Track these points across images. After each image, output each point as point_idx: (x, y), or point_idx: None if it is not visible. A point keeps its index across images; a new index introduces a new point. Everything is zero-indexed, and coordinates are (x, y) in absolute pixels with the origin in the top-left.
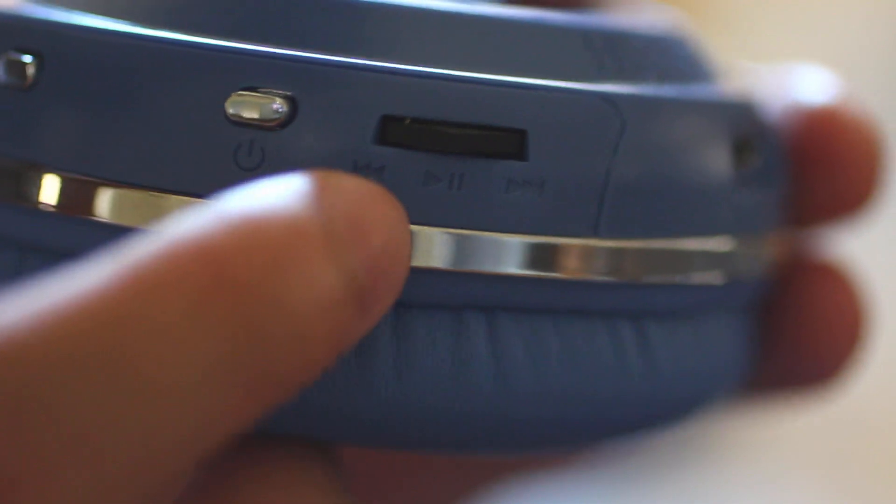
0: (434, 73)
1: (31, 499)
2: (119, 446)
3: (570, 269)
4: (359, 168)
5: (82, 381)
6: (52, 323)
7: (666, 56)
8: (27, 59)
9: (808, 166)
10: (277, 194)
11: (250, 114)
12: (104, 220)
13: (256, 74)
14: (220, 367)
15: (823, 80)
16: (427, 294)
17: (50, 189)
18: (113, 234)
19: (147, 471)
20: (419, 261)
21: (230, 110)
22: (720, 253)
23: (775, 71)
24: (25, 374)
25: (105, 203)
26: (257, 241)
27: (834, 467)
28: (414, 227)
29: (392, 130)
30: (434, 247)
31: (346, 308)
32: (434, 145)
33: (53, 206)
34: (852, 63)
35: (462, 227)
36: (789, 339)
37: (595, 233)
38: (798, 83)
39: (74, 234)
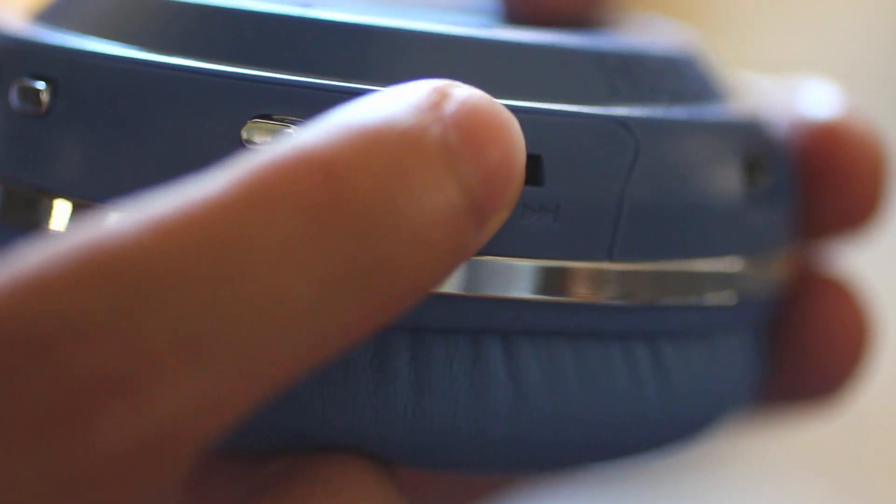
0: None
1: (140, 398)
2: (233, 355)
3: (585, 292)
4: None
5: (199, 288)
6: (171, 230)
7: (678, 76)
8: (41, 85)
9: (814, 181)
10: (395, 105)
11: (265, 141)
12: None
13: (271, 102)
14: (339, 281)
15: (828, 94)
16: (444, 318)
17: (62, 216)
18: None
19: (258, 383)
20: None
21: (245, 138)
22: (732, 273)
23: (781, 85)
24: (141, 276)
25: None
26: (374, 153)
27: (834, 468)
28: None
29: None
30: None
31: (464, 220)
32: None
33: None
34: (852, 63)
35: (478, 253)
36: (794, 353)
37: (609, 256)
38: (803, 97)
39: None
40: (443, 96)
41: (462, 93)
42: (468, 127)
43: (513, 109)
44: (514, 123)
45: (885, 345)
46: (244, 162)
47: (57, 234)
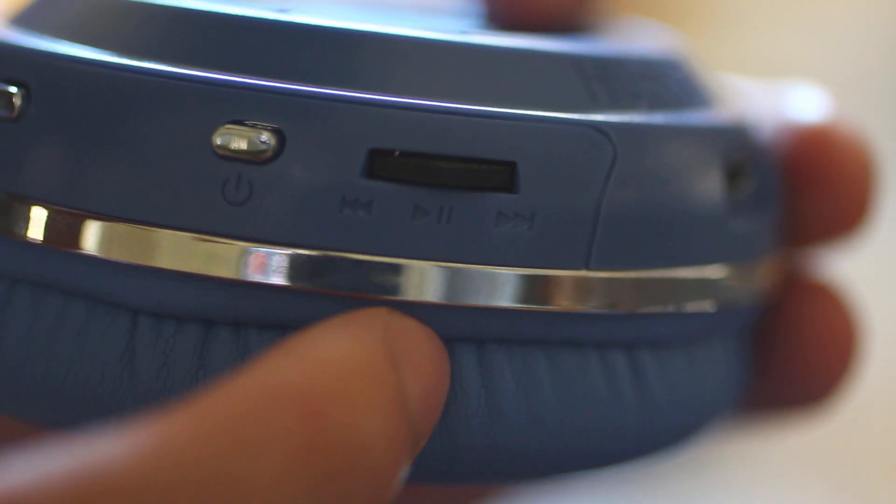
0: (422, 104)
1: None
2: None
3: (562, 301)
4: (347, 202)
5: None
6: (143, 474)
7: (659, 81)
8: (13, 89)
9: (801, 187)
10: (350, 334)
11: (238, 147)
12: (91, 254)
13: (244, 107)
14: None
15: (816, 98)
16: None
17: (36, 222)
18: (100, 267)
19: None
20: (409, 294)
21: (217, 143)
22: (714, 281)
23: (767, 89)
24: None
25: (92, 236)
26: (346, 391)
27: (833, 468)
28: (403, 261)
29: (380, 164)
30: (424, 281)
31: (411, 450)
32: (423, 179)
33: (40, 239)
34: (852, 63)
35: (452, 261)
36: (782, 360)
37: (586, 265)
38: (790, 102)
39: (61, 268)
40: (386, 326)
41: (402, 323)
42: (409, 355)
43: (487, 115)
44: (439, 345)
45: (882, 344)
46: (225, 392)
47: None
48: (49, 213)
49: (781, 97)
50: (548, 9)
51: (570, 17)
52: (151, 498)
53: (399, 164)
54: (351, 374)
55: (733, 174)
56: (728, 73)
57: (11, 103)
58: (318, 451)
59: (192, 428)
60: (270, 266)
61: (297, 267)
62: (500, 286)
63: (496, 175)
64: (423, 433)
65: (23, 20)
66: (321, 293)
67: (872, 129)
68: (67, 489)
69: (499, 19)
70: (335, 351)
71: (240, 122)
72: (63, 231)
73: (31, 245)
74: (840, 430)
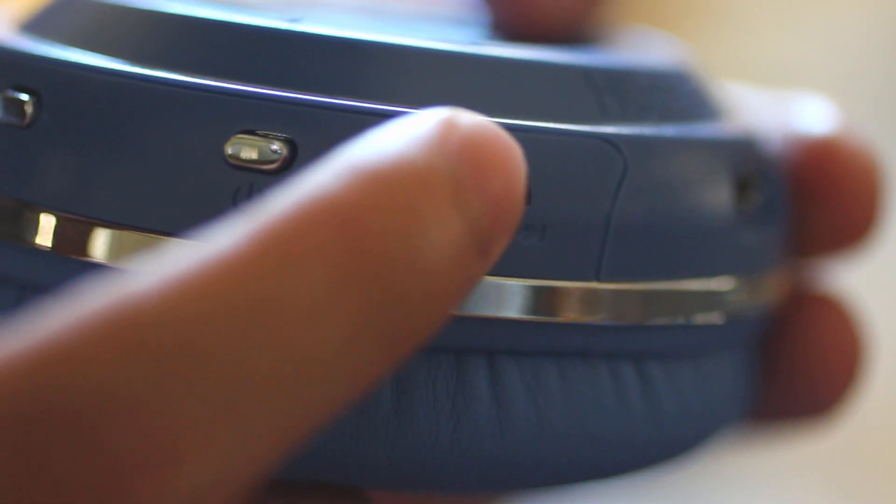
0: None
1: (178, 470)
2: (267, 414)
3: (572, 312)
4: None
5: (230, 353)
6: (196, 293)
7: (669, 93)
8: (25, 97)
9: (808, 198)
10: (402, 142)
11: (249, 157)
12: (100, 262)
13: (255, 117)
14: (361, 332)
15: (823, 110)
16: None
17: (46, 229)
18: (109, 275)
19: (291, 436)
20: None
21: (229, 153)
22: (722, 293)
23: (775, 99)
24: (170, 344)
25: (101, 244)
26: (388, 195)
27: (836, 471)
28: None
29: None
30: None
31: (472, 256)
32: None
33: (49, 247)
34: (852, 63)
35: None
36: (789, 371)
37: (597, 276)
38: (797, 113)
39: (70, 275)
40: (449, 128)
41: (467, 123)
42: (473, 160)
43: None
44: (516, 151)
45: (888, 348)
46: (259, 213)
47: (76, 296)
48: (58, 221)
49: (788, 108)
50: (554, 17)
51: (577, 25)
52: (190, 329)
53: None
54: (393, 178)
55: (742, 186)
56: (735, 83)
57: (23, 111)
58: (363, 262)
59: (227, 255)
60: None
61: None
62: (510, 297)
63: None
64: (494, 239)
65: (34, 27)
66: None
67: (872, 130)
68: (101, 327)
69: (505, 28)
70: (377, 155)
71: (251, 132)
72: (72, 238)
73: (40, 252)
74: (843, 433)
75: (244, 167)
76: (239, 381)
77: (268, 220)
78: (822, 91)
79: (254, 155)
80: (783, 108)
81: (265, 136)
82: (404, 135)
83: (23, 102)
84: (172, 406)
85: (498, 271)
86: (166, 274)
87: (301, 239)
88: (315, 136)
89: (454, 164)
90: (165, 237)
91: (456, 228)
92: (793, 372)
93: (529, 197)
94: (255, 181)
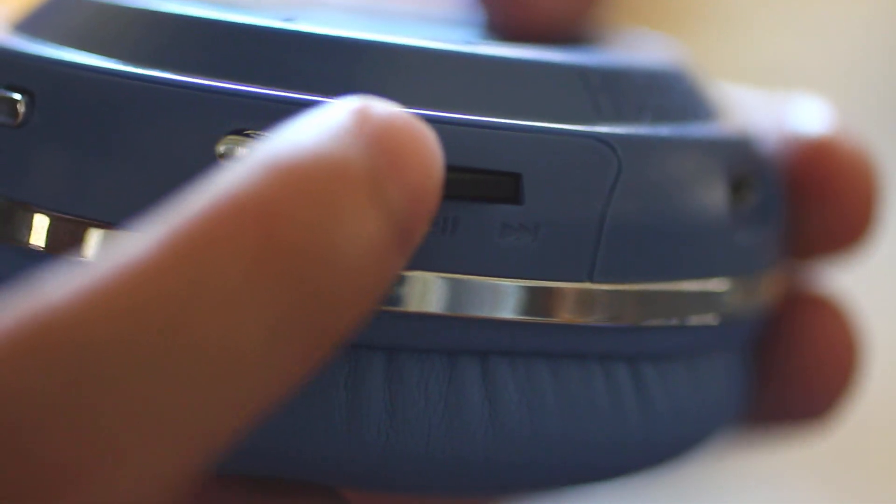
0: (427, 115)
1: (103, 481)
2: (189, 418)
3: (566, 313)
4: None
5: (145, 356)
6: (108, 295)
7: (664, 93)
8: (17, 96)
9: (803, 199)
10: (317, 134)
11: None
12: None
13: (248, 116)
14: (280, 328)
15: (818, 110)
16: (420, 339)
17: (39, 229)
18: None
19: (218, 437)
20: (412, 305)
21: (221, 153)
22: (717, 294)
23: (771, 100)
24: (83, 350)
25: (94, 244)
26: (304, 189)
27: (834, 467)
28: (406, 272)
29: None
30: (428, 291)
31: (391, 249)
32: None
33: (42, 247)
34: (852, 63)
35: (456, 272)
36: (783, 373)
37: (590, 277)
38: (793, 114)
39: None
40: (363, 118)
41: (380, 113)
42: (389, 150)
43: (493, 126)
44: (431, 139)
45: (886, 346)
46: (173, 213)
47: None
48: (51, 221)
49: (784, 108)
50: (550, 17)
51: (573, 25)
52: (102, 331)
53: None
54: (308, 171)
55: (737, 187)
56: (731, 83)
57: (15, 110)
58: (277, 256)
59: (139, 255)
60: None
61: None
62: (504, 298)
63: (501, 186)
64: (412, 230)
65: (27, 26)
66: None
67: (872, 130)
68: (14, 332)
69: (501, 27)
70: (291, 148)
71: (243, 132)
72: (65, 239)
73: (34, 252)
74: (842, 433)
75: None
76: (155, 386)
77: (182, 218)
78: (820, 91)
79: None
80: (779, 109)
81: (257, 136)
82: (318, 126)
83: (15, 101)
84: (90, 417)
85: (490, 272)
86: (81, 279)
87: (213, 234)
88: None
89: (369, 155)
90: None
91: (374, 221)
92: (788, 374)
93: (522, 197)
94: None
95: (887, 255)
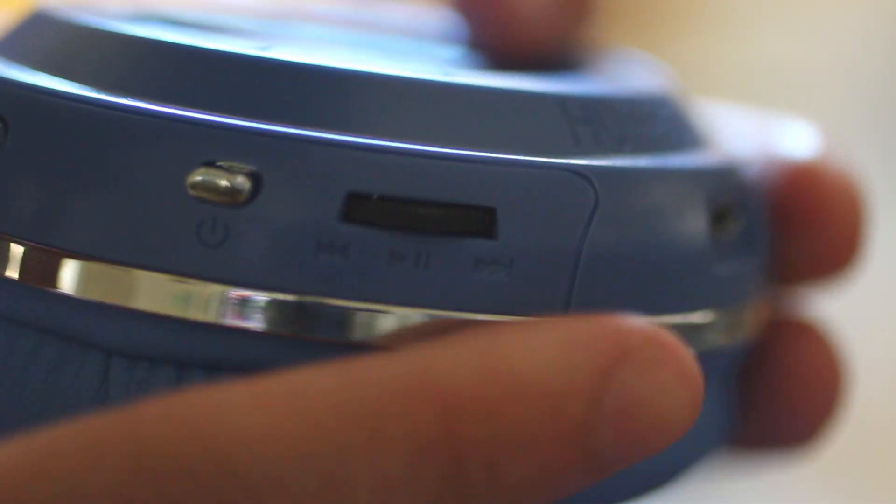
0: (402, 148)
1: None
2: None
3: None
4: (323, 246)
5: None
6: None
7: (646, 122)
8: None
9: (790, 225)
10: (560, 365)
11: (213, 190)
12: (66, 293)
13: (220, 148)
14: None
15: (806, 134)
16: None
17: (13, 259)
18: (75, 307)
19: None
20: (385, 341)
21: (192, 185)
22: (699, 326)
23: (757, 122)
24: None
25: (68, 275)
26: (508, 409)
27: (834, 467)
28: (379, 307)
29: (357, 208)
30: (401, 327)
31: (586, 479)
32: (400, 223)
33: (16, 277)
34: (852, 63)
35: (429, 307)
36: (767, 400)
37: (565, 312)
38: (780, 137)
39: (36, 305)
40: (609, 375)
41: (632, 378)
42: (624, 429)
43: (467, 160)
44: (690, 416)
45: (881, 338)
46: (376, 370)
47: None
48: (25, 251)
49: (771, 131)
50: (535, 34)
51: (561, 42)
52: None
53: (376, 209)
54: (524, 393)
55: (719, 217)
56: (718, 103)
57: None
58: (445, 457)
59: (316, 390)
60: (245, 310)
61: (272, 311)
62: None
63: (475, 221)
64: (607, 467)
65: (0, 49)
66: (296, 338)
67: (872, 130)
68: None
69: (485, 45)
70: (521, 363)
71: (215, 164)
72: (39, 269)
73: (7, 281)
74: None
75: (208, 200)
76: None
77: (366, 386)
78: (821, 91)
79: (218, 188)
80: (765, 132)
81: (229, 168)
82: (563, 357)
83: None
84: None
85: (465, 307)
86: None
87: (397, 414)
88: (281, 168)
89: (599, 421)
90: (133, 269)
91: (574, 468)
92: (773, 400)
93: (497, 231)
94: (219, 214)
95: (874, 280)
